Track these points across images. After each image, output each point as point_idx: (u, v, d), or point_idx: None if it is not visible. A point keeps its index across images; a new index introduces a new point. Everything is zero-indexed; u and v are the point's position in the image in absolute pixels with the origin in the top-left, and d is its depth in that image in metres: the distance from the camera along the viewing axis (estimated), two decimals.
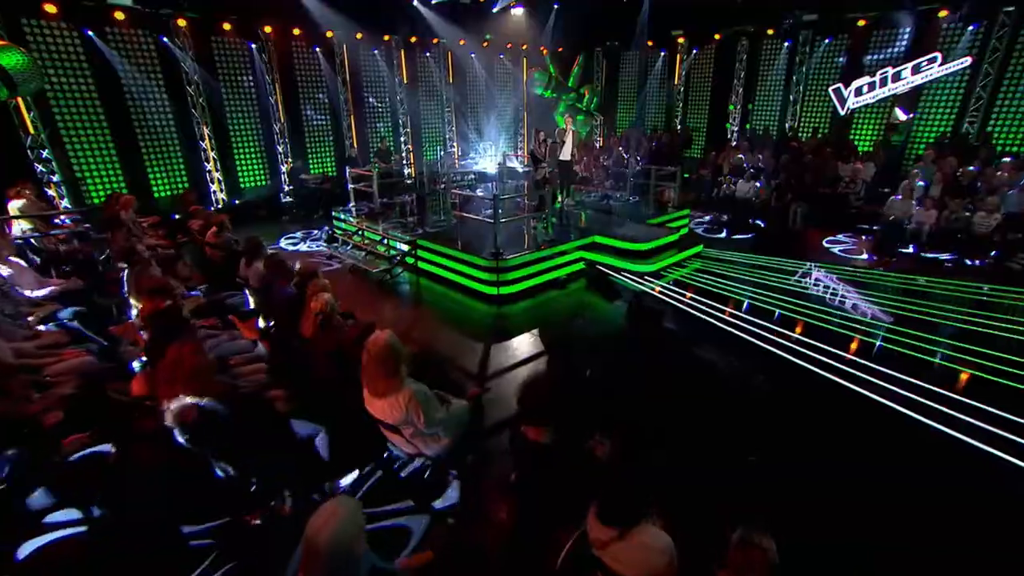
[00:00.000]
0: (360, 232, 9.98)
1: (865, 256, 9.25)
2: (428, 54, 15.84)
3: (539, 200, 9.32)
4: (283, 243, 10.80)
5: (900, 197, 9.80)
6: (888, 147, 12.60)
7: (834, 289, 7.50)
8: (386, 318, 7.04)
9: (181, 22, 11.23)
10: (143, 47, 11.03)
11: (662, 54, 17.46)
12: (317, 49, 13.58)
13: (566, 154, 9.57)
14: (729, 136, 16.36)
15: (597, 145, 16.90)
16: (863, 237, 10.27)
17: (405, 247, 8.77)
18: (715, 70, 16.51)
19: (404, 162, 16.05)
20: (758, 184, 11.67)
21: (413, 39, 15.18)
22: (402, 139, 16.16)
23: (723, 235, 10.92)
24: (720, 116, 16.57)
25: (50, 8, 9.65)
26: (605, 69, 19.01)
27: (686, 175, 15.31)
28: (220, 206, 12.70)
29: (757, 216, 11.35)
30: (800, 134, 14.90)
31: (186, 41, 11.56)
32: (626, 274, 8.09)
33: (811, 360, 5.55)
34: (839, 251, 9.59)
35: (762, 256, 9.01)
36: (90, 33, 10.18)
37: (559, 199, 9.90)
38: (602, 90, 19.03)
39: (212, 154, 12.55)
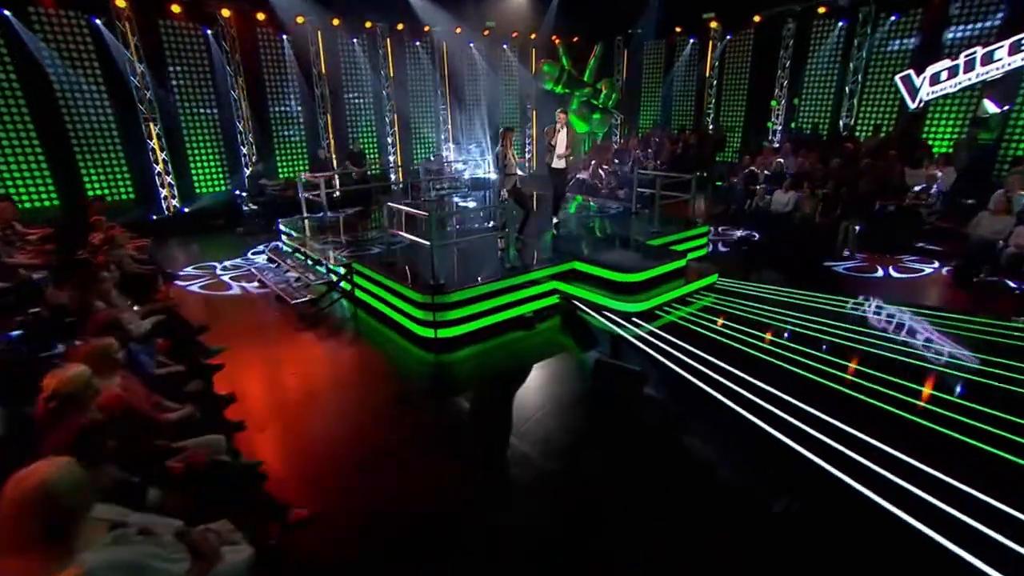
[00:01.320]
0: (300, 251, 8.57)
1: (944, 290, 7.19)
2: (418, 44, 14.47)
3: (526, 215, 7.64)
4: (234, 261, 9.45)
5: (991, 211, 7.69)
6: (974, 147, 10.35)
7: (905, 338, 5.53)
8: (275, 366, 5.54)
9: (120, 2, 10.14)
10: (74, 32, 9.97)
11: (691, 42, 15.56)
12: (285, 37, 12.37)
13: (556, 158, 7.88)
14: (770, 137, 14.29)
15: (615, 147, 15.08)
16: (940, 264, 8.17)
17: (340, 272, 7.28)
18: (754, 59, 14.49)
19: (390, 166, 14.70)
20: (798, 195, 9.66)
21: (400, 26, 13.83)
22: (388, 140, 14.81)
23: (750, 257, 9.00)
24: (759, 113, 14.51)
25: None
26: (626, 60, 17.23)
27: (718, 183, 13.38)
28: (169, 214, 11.59)
29: (797, 235, 9.35)
30: (857, 132, 12.74)
31: (127, 25, 10.49)
32: (609, 313, 6.33)
33: (874, 477, 3.67)
34: (906, 282, 7.53)
35: (799, 290, 7.07)
36: (7, 13, 9.15)
37: (556, 218, 8.22)
38: (623, 85, 17.26)
39: (162, 155, 11.45)
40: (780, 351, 5.34)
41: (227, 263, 9.20)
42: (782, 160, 11.29)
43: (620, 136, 17.60)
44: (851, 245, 8.94)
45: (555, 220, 8.37)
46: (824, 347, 5.44)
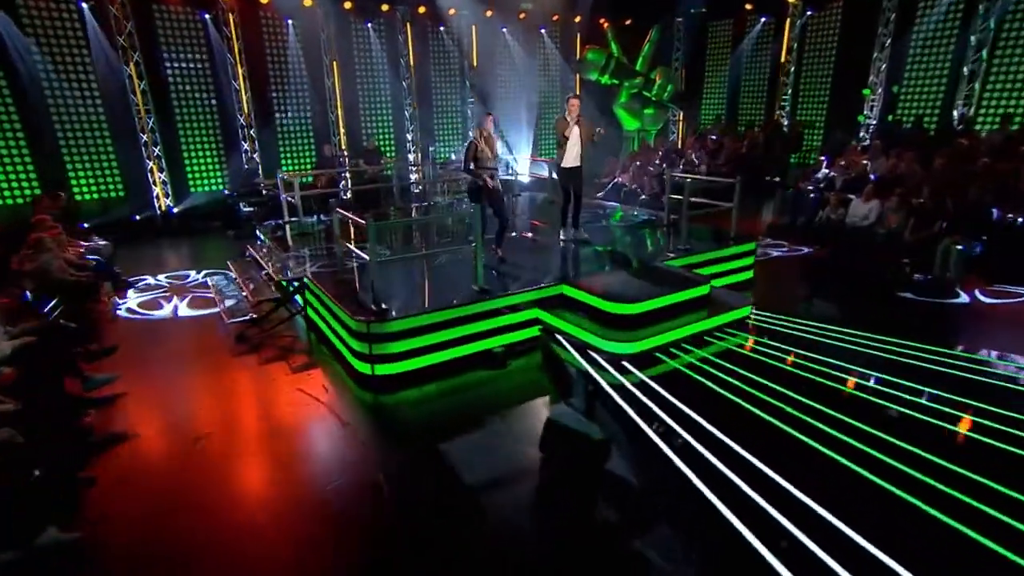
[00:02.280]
0: (262, 260, 8.10)
1: None
2: (443, 29, 13.97)
3: (501, 225, 6.82)
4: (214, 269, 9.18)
5: None
6: None
7: None
8: (167, 404, 4.95)
9: None
10: (62, 18, 10.10)
11: (762, 20, 14.14)
12: (290, 22, 12.18)
13: (570, 156, 6.96)
14: (861, 134, 12.63)
15: (665, 147, 13.88)
16: None
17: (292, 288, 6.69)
18: (843, 38, 12.89)
19: (410, 166, 14.24)
20: (883, 204, 8.20)
21: (422, 9, 13.37)
22: (408, 137, 14.37)
23: (808, 284, 7.66)
24: (847, 105, 12.86)
25: None
26: (687, 46, 15.98)
27: (789, 189, 11.96)
28: (159, 214, 11.60)
29: (877, 255, 7.90)
30: (978, 125, 10.93)
31: (120, 10, 10.57)
32: (595, 353, 5.33)
33: None
34: None
35: (869, 333, 5.73)
36: None
37: (563, 229, 7.30)
38: (682, 74, 16.04)
39: (156, 150, 11.49)
40: (822, 428, 4.14)
41: (197, 275, 8.88)
42: (867, 162, 9.77)
43: (678, 134, 16.36)
44: (954, 271, 7.41)
45: (562, 236, 7.42)
46: (898, 422, 4.17)
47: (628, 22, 15.45)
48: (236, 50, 11.77)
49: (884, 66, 12.28)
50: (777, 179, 12.49)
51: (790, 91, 13.80)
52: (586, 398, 4.80)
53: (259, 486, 3.98)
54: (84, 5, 10.12)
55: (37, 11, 9.89)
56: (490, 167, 6.36)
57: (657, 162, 12.64)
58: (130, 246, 10.27)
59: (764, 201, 11.03)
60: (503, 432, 4.39)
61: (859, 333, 5.69)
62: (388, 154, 13.98)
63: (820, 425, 4.12)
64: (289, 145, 12.89)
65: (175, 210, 11.64)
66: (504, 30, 14.70)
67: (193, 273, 8.77)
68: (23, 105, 9.96)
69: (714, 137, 13.59)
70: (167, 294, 7.79)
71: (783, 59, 13.71)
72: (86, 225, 9.92)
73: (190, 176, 11.97)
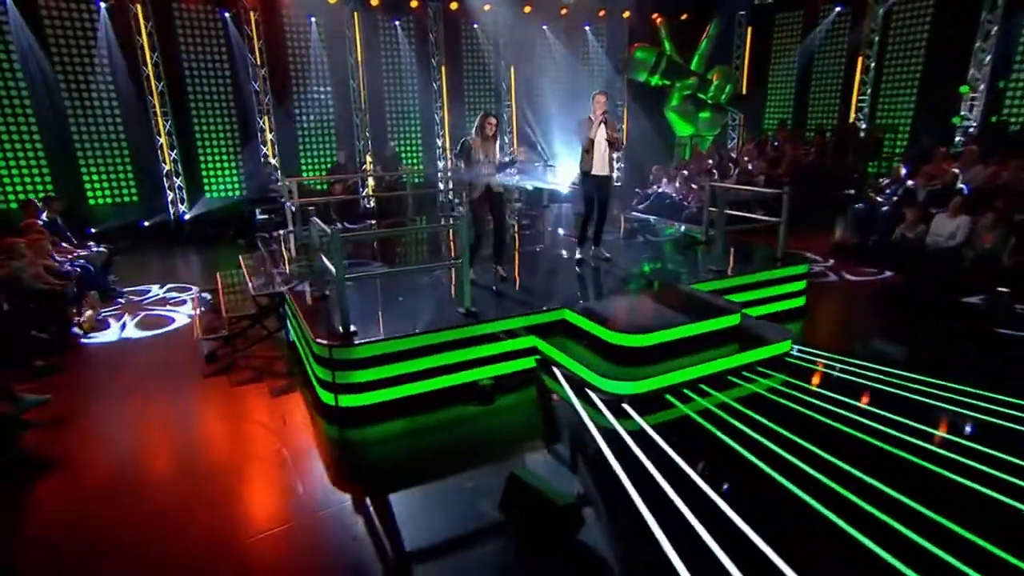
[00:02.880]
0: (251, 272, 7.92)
1: None
2: (476, 26, 13.74)
3: (476, 241, 6.29)
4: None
5: None
6: None
7: None
8: (109, 433, 4.70)
9: None
10: (82, 17, 10.43)
11: (836, 10, 13.15)
12: (314, 20, 12.24)
13: (597, 161, 6.38)
14: (957, 138, 11.43)
15: (718, 156, 13.07)
16: None
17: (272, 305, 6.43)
18: (934, 27, 11.77)
19: (440, 173, 14.04)
20: (975, 221, 7.22)
21: (455, 5, 13.20)
22: (438, 142, 14.18)
23: (876, 312, 6.77)
24: (940, 105, 11.70)
25: None
26: (750, 42, 15.13)
27: (859, 203, 10.98)
28: (172, 220, 11.79)
29: (970, 283, 6.93)
30: None
31: (140, 9, 10.85)
32: (592, 391, 4.75)
33: None
34: None
35: (947, 381, 4.87)
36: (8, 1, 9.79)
37: (581, 247, 6.78)
38: (743, 74, 15.20)
39: (172, 154, 11.71)
40: (879, 517, 3.34)
41: (193, 289, 8.83)
42: (958, 170, 8.72)
43: (738, 140, 15.48)
44: None
45: (578, 255, 6.87)
46: (997, 513, 3.35)
47: (685, 16, 14.80)
48: (256, 50, 11.90)
49: (988, 57, 11.08)
50: (850, 191, 11.47)
51: (869, 90, 12.73)
52: (572, 447, 4.22)
53: (178, 530, 3.61)
54: (102, 5, 10.42)
55: (57, 11, 10.25)
56: (485, 172, 5.92)
57: (708, 170, 11.87)
58: (137, 254, 10.44)
59: (833, 216, 10.07)
60: (471, 483, 3.87)
61: (940, 382, 4.81)
62: (415, 162, 13.83)
63: (877, 512, 3.26)
64: (310, 149, 12.92)
65: (186, 216, 11.79)
66: (545, 27, 14.33)
67: (190, 287, 8.72)
68: (39, 106, 10.31)
69: (776, 143, 12.69)
70: (145, 308, 7.72)
71: (862, 53, 12.68)
72: (93, 230, 10.16)
73: (206, 181, 12.13)
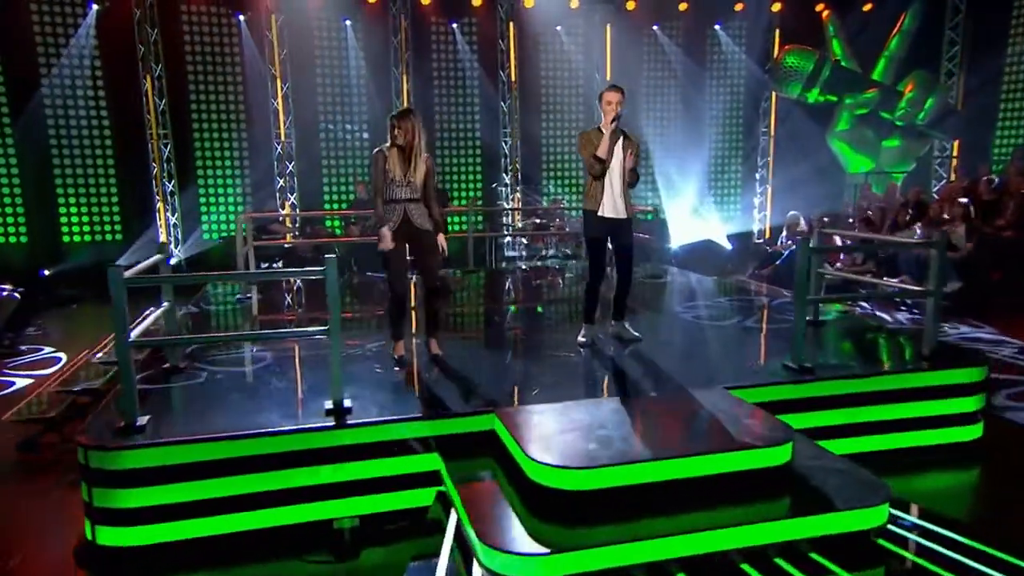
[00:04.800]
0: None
1: None
2: (559, 28, 13.03)
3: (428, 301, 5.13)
4: None
5: None
6: None
7: None
8: None
9: None
10: (76, 23, 10.91)
11: None
12: (348, 23, 12.11)
13: (610, 195, 5.23)
14: None
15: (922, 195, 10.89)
16: None
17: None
18: None
19: (505, 207, 13.23)
20: None
21: (530, 2, 12.58)
22: (505, 177, 13.42)
23: None
24: None
25: None
26: (965, 36, 12.96)
27: None
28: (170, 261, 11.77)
29: None
30: None
31: (143, 13, 11.25)
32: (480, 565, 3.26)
33: None
34: None
35: None
36: None
37: (587, 324, 5.62)
38: (957, 82, 13.02)
39: (168, 185, 11.84)
40: None
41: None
42: None
43: (951, 174, 13.18)
44: None
45: (582, 336, 5.57)
46: None
47: (868, 7, 13.09)
48: (277, 60, 11.91)
49: None
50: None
51: None
52: None
53: None
54: (94, 7, 10.90)
55: (51, 16, 10.82)
56: (403, 198, 4.83)
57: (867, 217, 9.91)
58: (101, 303, 10.37)
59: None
60: None
61: None
62: (466, 191, 13.07)
63: None
64: (336, 180, 12.61)
65: (172, 261, 11.72)
66: (656, 28, 13.31)
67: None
68: (23, 127, 10.74)
69: (996, 182, 10.37)
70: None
71: None
72: (46, 272, 10.27)
73: (205, 219, 12.12)
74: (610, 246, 5.45)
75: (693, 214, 13.22)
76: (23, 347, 8.06)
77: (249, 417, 4.13)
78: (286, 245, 11.35)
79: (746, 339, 6.01)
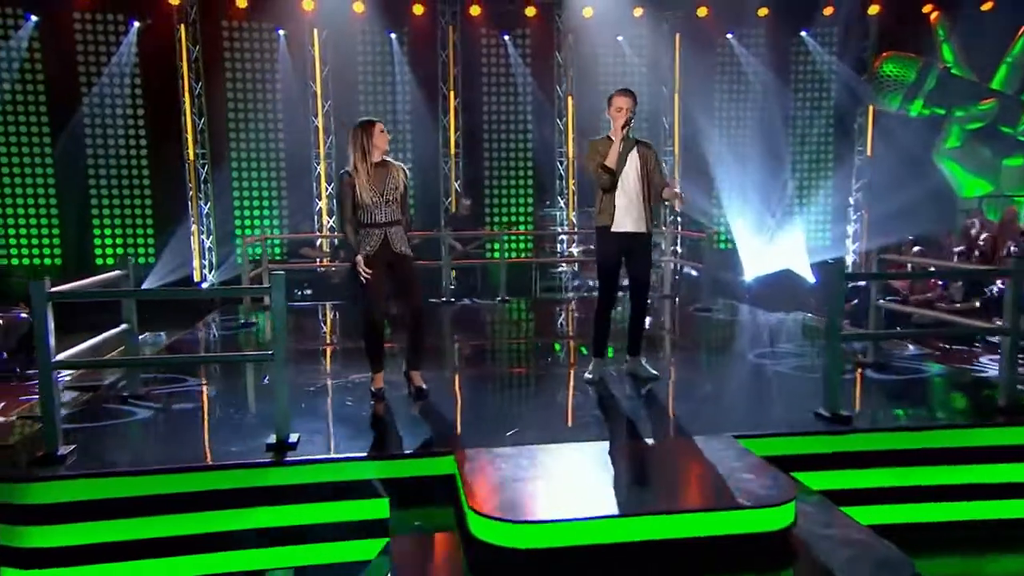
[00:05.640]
0: None
1: None
2: (621, 39, 12.82)
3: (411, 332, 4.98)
4: None
5: None
6: None
7: None
8: None
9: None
10: (107, 34, 11.46)
11: None
12: (393, 36, 12.24)
13: (623, 208, 5.05)
14: None
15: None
16: None
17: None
18: None
19: (560, 231, 13.00)
20: None
21: (588, 11, 12.34)
22: (559, 202, 13.20)
23: None
24: None
25: None
26: None
27: None
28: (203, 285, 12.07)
29: None
30: None
31: (184, 30, 11.69)
32: None
33: None
34: None
35: None
36: (34, 18, 10.95)
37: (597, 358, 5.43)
38: None
39: (204, 207, 12.16)
40: None
41: None
42: None
43: None
44: None
45: (589, 373, 5.37)
46: None
47: (987, 6, 12.30)
48: (319, 77, 12.13)
49: None
50: None
51: None
52: None
53: None
54: (136, 24, 11.40)
55: (92, 33, 11.39)
56: (383, 222, 4.68)
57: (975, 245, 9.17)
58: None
59: None
60: None
61: None
62: (518, 219, 12.94)
63: None
64: None
65: (203, 284, 12.00)
66: (731, 37, 12.90)
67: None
68: (57, 135, 11.32)
69: None
70: None
71: None
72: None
73: (239, 242, 12.35)
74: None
75: (770, 241, 12.59)
76: (30, 372, 8.25)
77: (189, 449, 4.01)
78: (320, 270, 11.40)
79: (787, 382, 5.55)
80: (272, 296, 3.86)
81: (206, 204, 12.13)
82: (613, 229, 5.00)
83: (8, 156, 11.30)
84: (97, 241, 11.84)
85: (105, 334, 4.65)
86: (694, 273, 12.23)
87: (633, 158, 5.00)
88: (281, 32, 11.92)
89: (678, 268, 11.92)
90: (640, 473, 3.86)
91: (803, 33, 13.10)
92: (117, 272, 4.81)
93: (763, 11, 12.67)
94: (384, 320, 5.00)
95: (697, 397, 5.31)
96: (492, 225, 12.80)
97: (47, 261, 11.56)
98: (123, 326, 4.81)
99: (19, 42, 11.11)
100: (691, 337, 7.83)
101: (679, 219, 12.45)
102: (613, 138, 4.99)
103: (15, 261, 11.38)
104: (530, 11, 12.39)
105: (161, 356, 6.74)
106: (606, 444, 4.04)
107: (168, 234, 11.99)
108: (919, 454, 3.96)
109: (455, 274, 12.42)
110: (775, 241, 12.77)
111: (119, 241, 11.90)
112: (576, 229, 12.77)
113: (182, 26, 11.66)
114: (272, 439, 3.87)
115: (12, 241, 11.47)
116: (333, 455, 3.78)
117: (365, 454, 3.80)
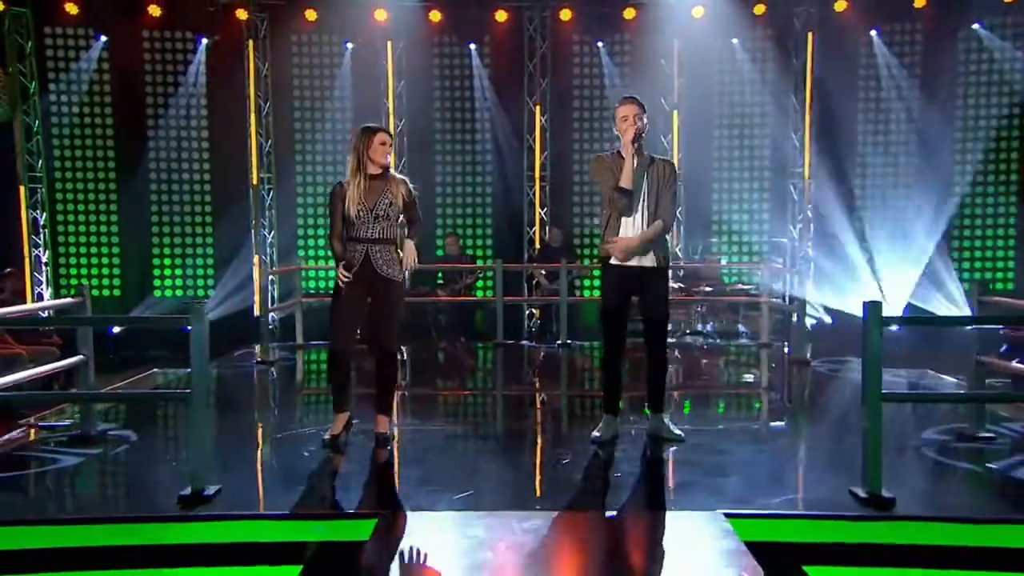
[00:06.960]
0: None
1: None
2: (736, 42, 12.40)
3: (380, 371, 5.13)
4: None
5: None
6: None
7: None
8: None
9: (241, 14, 11.97)
10: (175, 52, 12.26)
11: None
12: (473, 47, 12.37)
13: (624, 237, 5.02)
14: None
15: None
16: None
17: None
18: None
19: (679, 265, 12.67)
20: None
21: (699, 11, 12.03)
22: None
23: None
24: None
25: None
26: None
27: None
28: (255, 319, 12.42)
29: None
30: None
31: (253, 46, 12.27)
32: None
33: None
34: None
35: None
36: (103, 38, 11.88)
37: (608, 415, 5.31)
38: None
39: (268, 236, 12.59)
40: None
41: None
42: None
43: None
44: None
45: (598, 431, 5.20)
46: None
47: None
48: (391, 93, 12.39)
49: None
50: None
51: None
52: None
53: None
54: (204, 41, 12.10)
55: (160, 39, 12.23)
56: (366, 238, 4.76)
57: None
58: (172, 363, 11.09)
59: None
60: None
61: None
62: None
63: None
64: (451, 231, 12.68)
65: (259, 317, 12.31)
66: (874, 34, 12.17)
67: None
68: (126, 172, 12.17)
69: None
70: None
71: None
72: (115, 330, 11.14)
73: (303, 272, 12.71)
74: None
75: (925, 278, 11.70)
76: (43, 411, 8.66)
77: (105, 499, 4.01)
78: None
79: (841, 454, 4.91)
80: (192, 327, 3.80)
81: (269, 233, 12.51)
82: (614, 263, 4.90)
83: (73, 183, 12.24)
84: (156, 271, 12.48)
85: (52, 365, 4.77)
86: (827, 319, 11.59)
87: (648, 176, 4.91)
88: (349, 45, 12.27)
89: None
90: (580, 553, 3.62)
91: (976, 26, 12.11)
92: (69, 300, 4.94)
93: (920, 1, 11.85)
94: (349, 350, 4.95)
95: (718, 464, 4.94)
96: (583, 259, 12.52)
97: (105, 292, 12.23)
98: (81, 356, 4.90)
99: (89, 63, 12.01)
100: (756, 395, 7.55)
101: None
102: (624, 154, 4.88)
103: (72, 292, 12.11)
104: (628, 13, 12.12)
105: (66, 392, 6.77)
106: (555, 515, 3.80)
107: (229, 263, 12.47)
108: (975, 553, 3.34)
109: (539, 312, 12.38)
110: (932, 279, 11.84)
111: (178, 272, 12.50)
112: (683, 263, 12.27)
113: (250, 42, 12.21)
114: (187, 490, 3.78)
115: (73, 271, 12.25)
116: (234, 511, 3.66)
117: (275, 512, 3.66)
